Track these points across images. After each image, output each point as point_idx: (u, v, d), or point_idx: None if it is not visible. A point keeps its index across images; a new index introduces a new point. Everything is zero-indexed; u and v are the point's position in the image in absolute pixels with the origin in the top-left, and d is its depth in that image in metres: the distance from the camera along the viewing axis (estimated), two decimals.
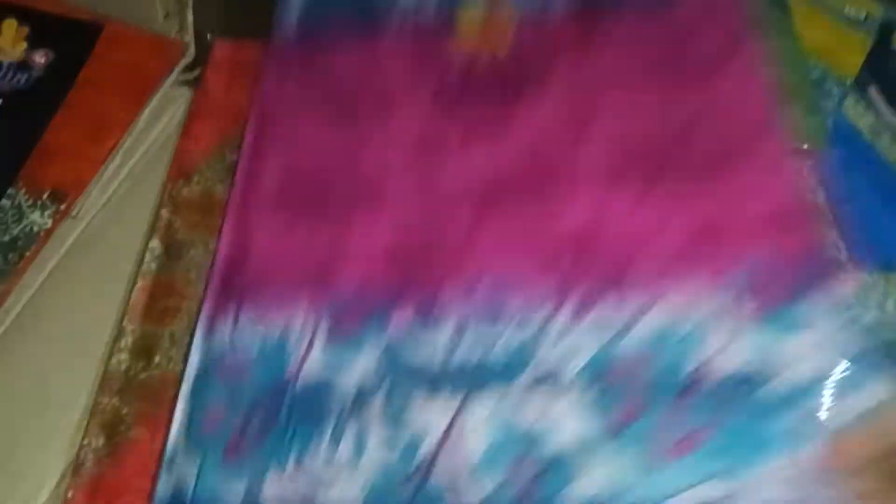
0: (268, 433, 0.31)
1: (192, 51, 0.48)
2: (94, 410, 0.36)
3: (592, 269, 0.31)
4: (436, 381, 0.31)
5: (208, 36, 0.48)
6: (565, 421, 0.29)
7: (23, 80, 0.44)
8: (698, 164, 0.34)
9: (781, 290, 0.29)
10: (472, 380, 0.30)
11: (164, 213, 0.41)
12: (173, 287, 0.39)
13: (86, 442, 0.35)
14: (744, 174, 0.33)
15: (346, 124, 0.39)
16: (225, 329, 0.34)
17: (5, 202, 0.40)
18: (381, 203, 0.36)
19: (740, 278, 0.30)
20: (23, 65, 0.44)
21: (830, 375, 0.27)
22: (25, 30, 0.46)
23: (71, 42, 0.45)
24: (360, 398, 0.31)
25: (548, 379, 0.30)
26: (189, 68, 0.47)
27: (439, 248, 0.34)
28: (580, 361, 0.30)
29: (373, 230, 0.36)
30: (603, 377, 0.29)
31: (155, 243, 0.40)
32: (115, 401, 0.36)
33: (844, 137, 0.49)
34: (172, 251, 0.40)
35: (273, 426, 0.32)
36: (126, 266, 0.40)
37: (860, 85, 0.51)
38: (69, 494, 0.34)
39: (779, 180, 0.33)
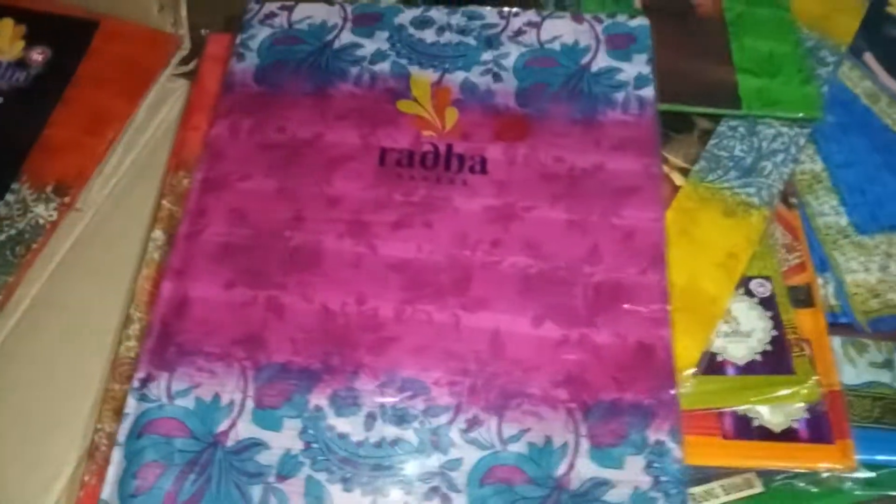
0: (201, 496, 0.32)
1: (187, 43, 0.48)
2: (105, 397, 0.37)
3: (486, 393, 0.35)
4: (349, 477, 0.33)
5: (202, 32, 0.48)
6: None
7: (22, 78, 0.44)
8: (587, 301, 0.37)
9: (611, 435, 0.34)
10: (379, 477, 0.33)
11: (166, 203, 0.42)
12: None
13: (99, 427, 0.36)
14: (621, 319, 0.36)
15: (292, 181, 0.40)
16: (160, 387, 0.35)
17: (10, 197, 0.41)
18: (316, 269, 0.37)
19: (586, 419, 0.34)
20: (21, 63, 0.45)
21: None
22: (22, 29, 0.46)
23: (67, 39, 0.46)
24: (283, 471, 0.33)
25: (439, 485, 0.33)
26: (185, 61, 0.48)
27: (364, 331, 0.36)
28: (465, 469, 0.33)
29: (306, 297, 0.37)
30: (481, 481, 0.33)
31: (157, 233, 0.41)
32: (127, 386, 0.36)
33: (842, 103, 0.49)
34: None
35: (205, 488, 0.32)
36: (131, 256, 0.41)
37: (855, 51, 0.51)
38: (86, 479, 0.35)
39: (641, 334, 0.36)
